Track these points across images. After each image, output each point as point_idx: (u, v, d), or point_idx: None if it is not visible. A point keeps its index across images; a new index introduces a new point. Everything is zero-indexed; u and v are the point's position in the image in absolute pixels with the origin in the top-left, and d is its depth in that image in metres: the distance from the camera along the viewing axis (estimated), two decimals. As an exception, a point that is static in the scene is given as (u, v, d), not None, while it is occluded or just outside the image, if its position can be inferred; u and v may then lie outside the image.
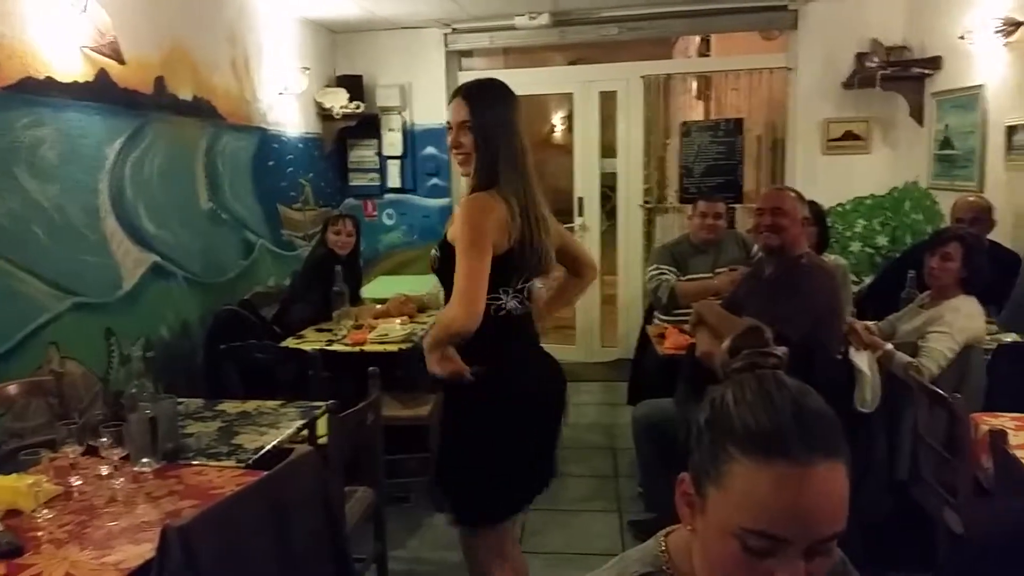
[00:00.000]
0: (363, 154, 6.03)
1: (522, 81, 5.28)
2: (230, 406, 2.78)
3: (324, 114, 5.59)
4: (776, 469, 0.79)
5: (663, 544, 0.99)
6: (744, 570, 0.82)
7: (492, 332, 2.13)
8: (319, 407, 2.70)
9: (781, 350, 0.91)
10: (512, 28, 5.68)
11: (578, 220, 6.00)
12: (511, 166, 2.11)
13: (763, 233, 2.75)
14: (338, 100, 5.54)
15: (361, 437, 2.62)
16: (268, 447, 2.37)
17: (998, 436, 2.15)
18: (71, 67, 3.15)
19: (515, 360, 2.22)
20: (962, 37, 4.07)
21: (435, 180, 5.98)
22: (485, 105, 2.13)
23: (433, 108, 5.81)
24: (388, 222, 6.05)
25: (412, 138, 5.97)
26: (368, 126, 5.89)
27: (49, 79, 3.03)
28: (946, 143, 4.49)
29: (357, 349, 3.60)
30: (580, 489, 3.84)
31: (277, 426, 2.56)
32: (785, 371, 0.89)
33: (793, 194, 2.79)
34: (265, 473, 1.94)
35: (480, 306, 1.99)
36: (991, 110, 3.97)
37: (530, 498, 2.32)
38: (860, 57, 5.06)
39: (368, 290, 4.87)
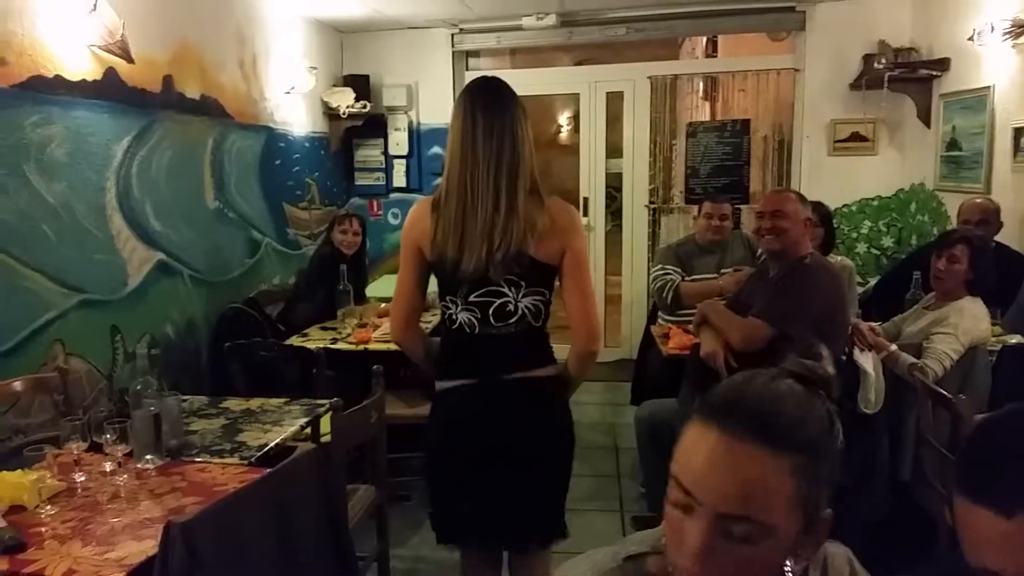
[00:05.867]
0: (369, 153, 6.03)
1: (529, 81, 5.34)
2: (234, 403, 2.79)
3: (331, 113, 5.60)
4: (706, 429, 0.86)
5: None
6: (672, 523, 0.87)
7: (445, 343, 2.14)
8: (323, 405, 2.71)
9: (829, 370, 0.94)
10: (519, 28, 5.67)
11: (583, 220, 6.00)
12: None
13: (765, 237, 2.75)
14: (345, 99, 5.54)
15: (364, 435, 2.63)
16: (271, 445, 2.38)
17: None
18: (80, 65, 3.17)
19: (443, 386, 2.12)
20: (970, 39, 4.05)
21: (440, 180, 5.96)
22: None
23: (439, 108, 5.80)
24: (393, 221, 6.05)
25: (418, 138, 5.97)
26: (374, 126, 5.90)
27: (58, 77, 3.05)
28: (953, 144, 4.47)
29: (361, 348, 3.61)
30: (582, 489, 3.83)
31: (281, 424, 2.57)
32: (827, 394, 0.92)
33: (794, 196, 2.78)
34: (268, 471, 1.95)
35: None
36: (999, 112, 3.95)
37: (477, 534, 2.17)
38: (868, 58, 5.04)
39: (373, 289, 4.89)
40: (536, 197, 1.99)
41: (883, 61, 4.83)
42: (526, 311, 2.03)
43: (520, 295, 2.01)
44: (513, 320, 2.02)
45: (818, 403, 0.89)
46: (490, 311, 2.01)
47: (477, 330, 2.03)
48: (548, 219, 1.98)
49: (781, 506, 0.83)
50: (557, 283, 2.08)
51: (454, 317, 2.06)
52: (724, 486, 0.83)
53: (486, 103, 2.00)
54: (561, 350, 2.12)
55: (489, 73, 2.22)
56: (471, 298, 2.01)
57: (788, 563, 0.90)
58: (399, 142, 5.95)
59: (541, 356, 2.10)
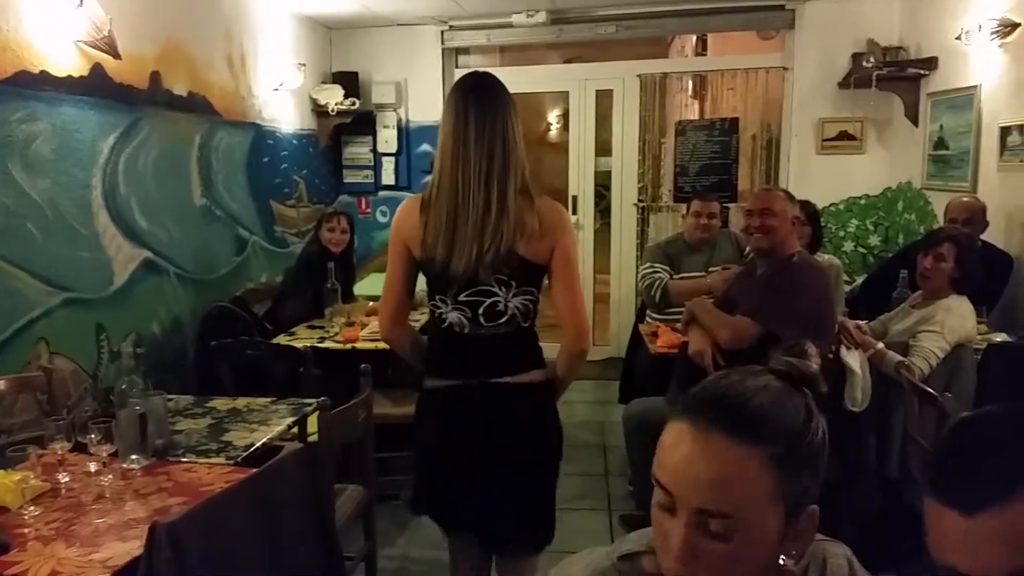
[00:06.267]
0: (358, 151, 6.02)
1: (518, 79, 5.32)
2: (220, 403, 2.78)
3: (319, 110, 5.58)
4: (680, 425, 0.88)
5: None
6: (658, 526, 0.89)
7: (433, 342, 2.13)
8: (310, 404, 2.70)
9: (813, 367, 0.94)
10: (509, 26, 5.67)
11: (572, 218, 6.00)
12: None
13: (753, 235, 2.75)
14: (333, 96, 5.53)
15: (352, 434, 2.61)
16: (258, 444, 2.37)
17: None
18: (66, 61, 3.15)
19: (431, 384, 2.10)
20: (958, 38, 4.07)
21: (430, 178, 5.93)
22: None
23: (428, 105, 5.80)
24: (382, 219, 6.04)
25: (407, 135, 5.96)
26: (363, 123, 5.88)
27: (44, 73, 3.02)
28: (940, 143, 4.49)
29: (349, 346, 3.60)
30: (571, 487, 3.83)
31: (267, 423, 2.55)
32: (812, 389, 0.92)
33: (782, 194, 2.79)
34: (255, 470, 1.93)
35: None
36: (985, 111, 3.97)
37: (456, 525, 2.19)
38: (856, 57, 5.05)
39: (361, 287, 4.87)
40: (526, 196, 1.97)
41: (871, 60, 4.84)
42: (516, 311, 2.01)
43: (510, 295, 1.99)
44: (503, 320, 2.01)
45: (796, 398, 0.89)
46: (480, 311, 1.99)
47: (467, 330, 2.02)
48: (537, 219, 1.96)
49: (759, 499, 0.83)
50: (545, 282, 2.07)
51: (443, 316, 2.04)
52: (699, 480, 0.84)
53: (478, 100, 1.97)
54: (550, 349, 2.11)
55: (479, 70, 2.19)
56: (461, 297, 1.99)
57: (782, 559, 0.89)
58: (388, 139, 5.94)
59: (530, 359, 2.08)
